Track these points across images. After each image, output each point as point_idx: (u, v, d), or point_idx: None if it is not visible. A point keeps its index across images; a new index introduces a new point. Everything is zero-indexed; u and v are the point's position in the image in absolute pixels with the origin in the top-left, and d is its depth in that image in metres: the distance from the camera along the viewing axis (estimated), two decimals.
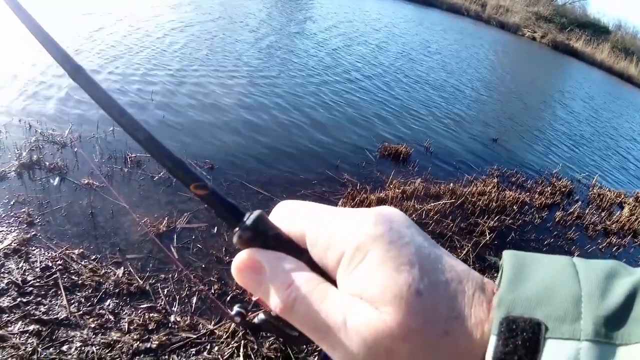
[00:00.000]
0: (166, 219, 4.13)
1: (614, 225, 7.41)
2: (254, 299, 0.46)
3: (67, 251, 3.49)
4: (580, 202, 7.85)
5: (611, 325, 0.34)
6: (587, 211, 7.55)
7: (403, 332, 0.37)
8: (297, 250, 0.44)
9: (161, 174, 4.80)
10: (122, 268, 3.49)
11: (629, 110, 23.63)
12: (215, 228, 4.26)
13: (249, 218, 0.45)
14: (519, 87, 17.72)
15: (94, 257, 3.54)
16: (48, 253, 3.43)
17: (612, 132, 15.85)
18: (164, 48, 9.12)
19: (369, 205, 5.13)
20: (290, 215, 0.47)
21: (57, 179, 4.36)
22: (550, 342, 0.34)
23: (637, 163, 13.18)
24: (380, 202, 5.36)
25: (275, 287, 0.42)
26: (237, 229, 0.45)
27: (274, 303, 0.42)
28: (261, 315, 0.51)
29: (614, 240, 6.85)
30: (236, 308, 0.53)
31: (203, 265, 3.78)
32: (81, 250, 3.55)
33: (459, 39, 24.54)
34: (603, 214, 7.78)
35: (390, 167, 6.59)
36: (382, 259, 0.39)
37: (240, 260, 0.45)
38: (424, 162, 7.13)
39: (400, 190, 5.73)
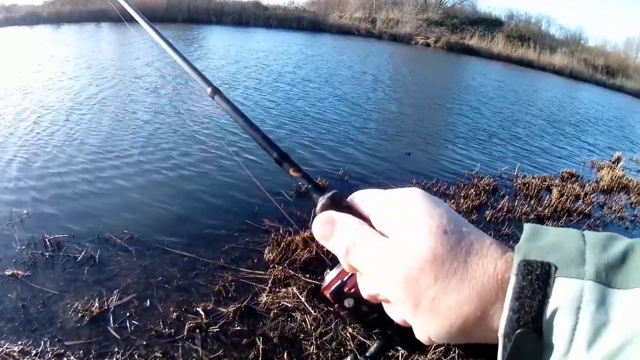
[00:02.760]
0: (97, 299, 4.26)
1: (546, 210, 8.06)
2: (325, 245, 0.63)
3: (8, 349, 3.58)
4: (507, 196, 8.32)
5: (610, 272, 0.45)
6: (516, 203, 8.11)
7: (431, 257, 0.51)
8: (361, 216, 0.62)
9: (83, 252, 4.93)
10: (65, 359, 3.59)
11: (533, 94, 25.08)
12: (147, 300, 4.41)
13: (329, 192, 0.67)
14: (421, 95, 18.54)
15: (35, 352, 3.65)
16: None
17: (522, 119, 16.88)
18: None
19: (295, 249, 5.40)
20: (361, 196, 0.66)
21: None
22: (559, 280, 0.46)
23: (553, 144, 14.04)
24: (306, 242, 5.54)
25: (342, 232, 0.60)
26: (320, 198, 0.67)
27: (341, 246, 0.60)
28: (350, 300, 0.68)
29: (550, 223, 7.40)
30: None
31: (144, 343, 3.92)
32: (20, 346, 3.66)
33: (354, 59, 25.34)
34: (532, 201, 8.39)
35: (308, 203, 6.66)
36: (421, 211, 0.56)
37: (320, 216, 0.64)
38: (343, 191, 7.25)
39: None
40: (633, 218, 8.99)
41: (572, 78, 42.82)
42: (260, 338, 4.09)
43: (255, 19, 35.86)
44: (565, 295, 0.44)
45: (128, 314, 4.19)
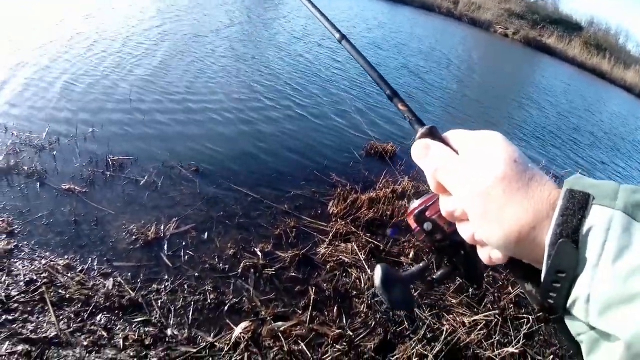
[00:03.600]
0: (154, 225, 3.98)
1: None
2: (419, 164, 0.74)
3: (52, 262, 3.32)
4: None
5: (635, 208, 0.53)
6: None
7: (502, 176, 0.62)
8: (451, 147, 0.72)
9: (146, 177, 4.65)
10: (112, 279, 3.33)
11: (601, 105, 24.34)
12: (206, 233, 4.13)
13: (427, 125, 0.78)
14: (495, 83, 18.36)
15: (80, 268, 3.37)
16: (31, 265, 3.25)
17: (585, 126, 16.29)
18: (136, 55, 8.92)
19: (360, 207, 5.10)
20: (453, 133, 0.75)
21: (37, 185, 4.16)
22: (595, 207, 0.55)
23: (615, 157, 13.65)
24: (372, 202, 5.26)
25: (434, 154, 0.72)
26: (420, 128, 0.78)
27: (431, 165, 0.72)
28: (429, 224, 0.78)
29: None
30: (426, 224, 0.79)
31: (196, 274, 3.63)
32: (66, 261, 3.38)
33: (434, 36, 24.78)
34: None
35: (377, 165, 6.50)
36: (499, 145, 0.66)
37: (418, 142, 0.76)
38: (410, 160, 6.97)
39: (390, 190, 5.64)
40: None
41: None
42: (313, 288, 3.82)
43: None
44: (599, 218, 0.54)
45: (183, 243, 3.91)
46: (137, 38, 9.37)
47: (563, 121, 15.22)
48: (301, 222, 4.70)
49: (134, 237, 3.80)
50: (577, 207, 0.56)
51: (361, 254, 4.37)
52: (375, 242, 4.61)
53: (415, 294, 4.01)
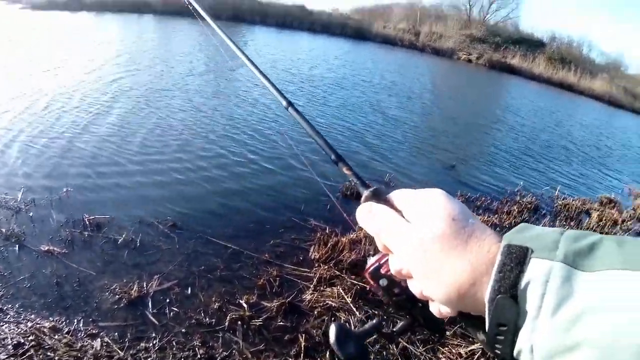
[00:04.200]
0: (136, 283, 4.05)
1: None
2: (364, 227, 0.78)
3: (38, 325, 3.38)
4: (548, 216, 8.20)
5: (577, 257, 0.54)
6: (557, 224, 7.88)
7: (440, 235, 0.64)
8: (395, 208, 0.74)
9: (124, 235, 4.72)
10: (99, 340, 3.38)
11: (572, 118, 24.88)
12: (189, 289, 4.19)
13: (372, 187, 0.82)
14: (463, 110, 18.41)
15: (67, 330, 3.42)
16: (18, 328, 3.31)
17: (561, 141, 16.65)
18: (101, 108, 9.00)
19: (342, 250, 5.17)
20: (396, 193, 0.78)
21: (16, 247, 4.23)
22: (534, 260, 0.57)
23: (591, 168, 13.85)
24: (353, 243, 5.35)
25: (378, 218, 0.75)
26: (364, 191, 0.83)
27: (376, 228, 0.75)
28: (384, 280, 0.83)
29: None
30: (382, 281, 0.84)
31: (183, 330, 3.69)
32: (52, 323, 3.44)
33: (396, 70, 25.27)
34: (572, 223, 8.18)
35: (354, 206, 6.46)
36: (439, 204, 0.68)
37: (362, 205, 0.80)
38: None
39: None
40: None
41: (611, 105, 42.28)
42: (303, 335, 3.87)
43: (300, 22, 36.06)
44: (537, 271, 0.56)
45: (168, 300, 3.97)
46: (101, 95, 9.55)
47: (535, 140, 15.59)
48: (284, 270, 4.77)
49: (117, 296, 3.86)
50: (515, 262, 0.58)
51: (348, 297, 4.44)
52: (361, 284, 4.68)
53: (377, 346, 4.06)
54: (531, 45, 50.18)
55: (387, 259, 0.80)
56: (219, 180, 6.67)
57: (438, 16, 50.43)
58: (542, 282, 0.54)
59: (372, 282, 0.85)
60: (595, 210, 9.17)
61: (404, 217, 0.72)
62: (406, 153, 10.13)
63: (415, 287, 0.73)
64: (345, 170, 0.96)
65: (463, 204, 0.70)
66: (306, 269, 4.84)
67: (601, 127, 24.84)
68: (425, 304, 0.78)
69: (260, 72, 1.36)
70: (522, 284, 0.56)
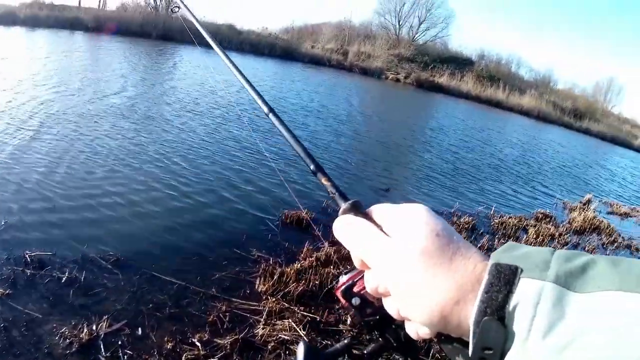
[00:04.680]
0: (85, 325, 3.98)
1: None
2: (342, 241, 0.76)
3: None
4: (486, 235, 8.52)
5: (570, 277, 0.53)
6: (495, 242, 8.18)
7: (424, 251, 0.63)
8: (375, 223, 0.74)
9: (67, 273, 4.64)
10: None
11: (503, 135, 25.97)
12: (139, 329, 4.16)
13: (352, 199, 0.82)
14: (393, 131, 18.91)
15: None
16: None
17: (493, 159, 17.43)
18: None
19: (288, 281, 5.24)
20: (377, 207, 0.78)
21: None
22: (523, 280, 0.55)
23: (525, 184, 14.53)
24: (299, 274, 5.44)
25: (356, 231, 0.74)
26: (343, 203, 0.82)
27: (354, 242, 0.74)
28: (357, 299, 0.79)
29: None
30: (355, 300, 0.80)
31: None
32: None
33: (326, 92, 25.61)
34: (511, 240, 8.35)
35: (295, 235, 6.72)
36: (422, 219, 0.68)
37: (340, 218, 0.79)
38: (328, 224, 7.15)
39: (313, 258, 5.85)
40: None
41: (540, 119, 44.44)
42: None
43: (229, 42, 36.00)
44: (527, 292, 0.54)
45: (120, 343, 3.93)
46: (28, 118, 9.27)
47: (466, 159, 16.14)
48: (232, 304, 4.80)
49: (67, 340, 3.80)
50: (504, 282, 0.56)
51: (300, 329, 4.51)
52: (311, 315, 4.77)
53: None
54: (460, 63, 51.96)
55: (362, 277, 0.78)
56: (156, 212, 6.60)
57: (367, 36, 51.49)
58: (533, 304, 0.53)
59: (343, 301, 0.81)
60: (531, 226, 9.69)
61: (384, 231, 0.72)
62: (339, 179, 10.17)
63: (392, 306, 0.71)
64: (324, 181, 0.95)
65: (445, 221, 0.69)
66: (255, 303, 4.88)
67: (531, 142, 26.19)
68: (399, 325, 0.77)
69: (245, 79, 1.42)
70: (511, 305, 0.55)
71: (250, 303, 4.86)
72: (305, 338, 4.42)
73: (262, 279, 5.29)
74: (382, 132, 18.12)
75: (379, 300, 0.76)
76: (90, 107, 11.51)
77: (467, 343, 0.60)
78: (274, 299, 4.96)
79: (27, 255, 4.76)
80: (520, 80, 55.55)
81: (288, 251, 6.13)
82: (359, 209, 0.80)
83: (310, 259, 5.85)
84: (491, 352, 0.55)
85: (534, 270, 0.55)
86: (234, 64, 1.60)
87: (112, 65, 18.23)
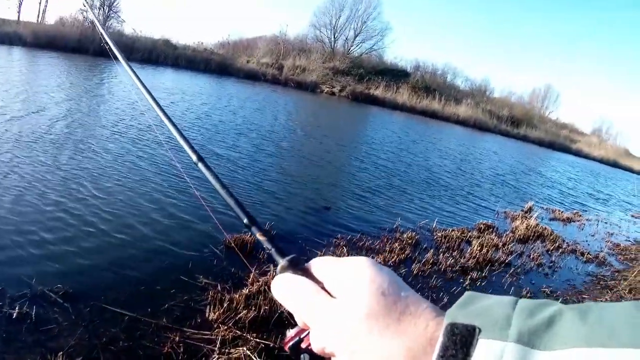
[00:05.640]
0: None
1: (469, 262, 8.63)
2: (281, 302, 0.75)
3: None
4: (430, 249, 8.86)
5: (534, 335, 0.50)
6: (440, 256, 8.57)
7: (368, 313, 0.60)
8: (316, 280, 0.73)
9: (17, 308, 4.69)
10: None
11: (438, 145, 26.64)
12: None
13: (288, 256, 0.81)
14: (329, 147, 19.07)
15: None
16: None
17: (431, 172, 18.07)
18: None
19: (238, 308, 5.40)
20: (317, 262, 0.76)
21: None
22: (482, 341, 0.52)
23: (465, 196, 15.11)
24: (248, 299, 5.60)
25: (296, 292, 0.72)
26: (280, 261, 0.81)
27: (294, 304, 0.72)
28: (306, 355, 0.77)
29: (475, 274, 8.07)
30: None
31: None
32: None
33: (259, 108, 25.76)
34: (455, 253, 8.95)
35: (239, 259, 6.72)
36: (366, 276, 0.65)
37: (277, 277, 0.77)
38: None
39: (261, 282, 6.00)
40: (551, 264, 9.95)
41: (477, 128, 45.82)
42: None
43: (165, 57, 36.01)
44: (486, 355, 0.50)
45: None
46: None
47: (403, 174, 16.65)
48: (185, 334, 4.92)
49: None
50: (460, 345, 0.53)
51: (255, 357, 4.67)
52: (265, 342, 4.93)
53: None
54: (395, 75, 52.90)
55: (308, 333, 0.73)
56: (99, 243, 6.58)
57: (302, 49, 51.67)
58: None
59: (293, 357, 0.78)
60: (475, 237, 10.17)
61: (325, 289, 0.70)
62: (277, 200, 10.35)
63: None
64: (259, 236, 0.93)
65: (394, 273, 0.67)
66: (207, 332, 5.02)
67: (468, 152, 27.12)
68: None
69: (170, 121, 1.38)
70: None
71: (203, 332, 5.00)
72: None
73: (211, 306, 5.40)
74: (318, 148, 18.32)
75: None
76: (17, 129, 11.40)
77: None
78: (225, 327, 5.10)
79: None
80: (456, 90, 57.35)
81: (235, 276, 6.28)
82: (298, 265, 0.78)
83: (258, 283, 5.99)
84: None
85: (493, 330, 0.52)
86: (153, 98, 1.63)
87: (40, 83, 17.86)
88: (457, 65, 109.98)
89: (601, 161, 51.88)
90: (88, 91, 17.61)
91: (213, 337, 4.96)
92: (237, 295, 5.65)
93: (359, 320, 0.61)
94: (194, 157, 1.19)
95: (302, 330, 0.76)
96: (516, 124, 52.68)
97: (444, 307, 0.60)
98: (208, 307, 5.43)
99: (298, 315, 0.73)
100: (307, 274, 0.75)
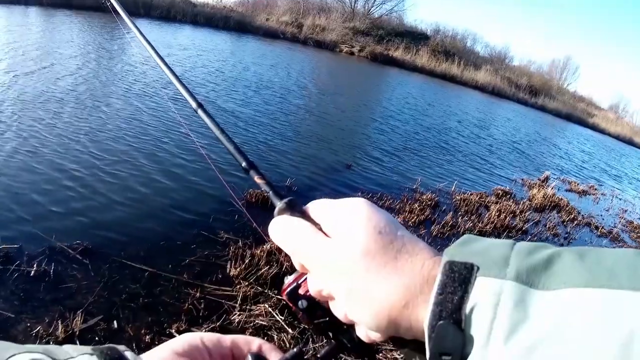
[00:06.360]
0: (60, 322, 3.90)
1: (487, 227, 8.47)
2: (278, 244, 0.72)
3: None
4: (450, 212, 8.66)
5: (532, 274, 0.49)
6: (459, 219, 8.40)
7: (365, 251, 0.60)
8: (313, 221, 0.71)
9: (35, 266, 4.51)
10: None
11: (458, 109, 26.25)
12: (115, 322, 4.12)
13: (286, 198, 0.77)
14: (350, 105, 18.73)
15: None
16: None
17: (450, 133, 17.74)
18: None
19: (259, 264, 5.23)
20: (314, 204, 0.74)
21: None
22: (480, 279, 0.52)
23: (483, 160, 14.85)
24: (269, 256, 5.44)
25: (293, 233, 0.70)
26: (278, 203, 0.77)
27: (291, 245, 0.70)
28: (304, 301, 0.76)
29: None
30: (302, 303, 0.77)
31: None
32: None
33: (279, 65, 25.24)
34: (473, 217, 8.79)
35: (260, 214, 6.58)
36: (362, 216, 0.64)
37: (275, 219, 0.74)
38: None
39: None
40: (566, 235, 9.74)
41: (495, 95, 45.23)
42: None
43: (183, 15, 35.12)
44: (485, 292, 0.50)
45: (97, 338, 3.89)
46: None
47: (430, 132, 16.55)
48: (205, 290, 4.78)
49: (44, 340, 3.73)
50: (458, 282, 0.52)
51: (277, 315, 4.55)
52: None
53: None
54: (415, 38, 52.02)
55: (306, 278, 0.75)
56: (119, 198, 6.39)
57: (322, 9, 50.88)
58: (492, 305, 0.49)
59: (290, 304, 0.79)
60: (493, 203, 9.98)
61: (322, 231, 0.68)
62: (301, 156, 10.18)
63: (339, 311, 0.68)
64: (257, 179, 0.92)
65: (389, 214, 0.66)
66: (228, 288, 4.89)
67: (487, 119, 26.70)
68: (351, 326, 0.73)
69: (169, 67, 1.34)
70: (468, 307, 0.51)
71: (224, 288, 4.86)
72: (283, 323, 4.45)
73: (232, 262, 5.27)
74: (340, 106, 17.92)
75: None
76: (43, 88, 11.07)
77: (422, 344, 0.57)
78: (247, 283, 4.97)
79: None
80: (476, 56, 56.27)
81: (256, 232, 6.08)
82: (296, 208, 0.76)
83: None
84: (449, 357, 0.51)
85: (491, 268, 0.52)
86: (157, 53, 1.56)
87: (52, 40, 17.30)
88: (477, 32, 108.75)
89: (617, 137, 50.33)
90: (100, 49, 17.18)
91: (234, 293, 4.82)
92: (259, 251, 5.48)
93: (356, 258, 0.60)
94: (194, 104, 1.17)
95: (300, 276, 0.77)
96: (534, 93, 51.45)
97: None
98: (229, 263, 5.29)
99: (296, 257, 0.71)
100: (305, 216, 0.73)
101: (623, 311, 0.43)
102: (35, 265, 4.52)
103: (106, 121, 9.41)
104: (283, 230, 0.72)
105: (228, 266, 5.22)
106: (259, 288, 4.94)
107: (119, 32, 21.01)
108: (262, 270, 5.15)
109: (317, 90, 20.48)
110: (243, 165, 0.95)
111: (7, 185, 6.05)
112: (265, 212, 6.70)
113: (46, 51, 14.62)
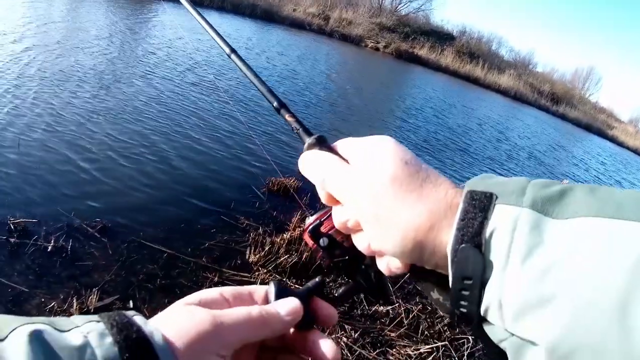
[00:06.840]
0: (75, 299, 3.78)
1: None
2: (307, 176, 0.73)
3: None
4: None
5: (547, 204, 0.51)
6: None
7: (392, 178, 0.61)
8: (341, 157, 0.71)
9: (52, 241, 4.38)
10: None
11: (481, 111, 26.41)
12: (131, 302, 4.01)
13: (315, 135, 0.78)
14: (368, 100, 18.58)
15: None
16: None
17: (469, 136, 17.36)
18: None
19: (279, 252, 5.08)
20: (342, 141, 0.75)
21: None
22: (499, 206, 0.53)
23: (500, 165, 14.75)
24: (289, 244, 5.30)
25: (322, 164, 0.71)
26: (307, 139, 0.78)
27: (319, 176, 0.71)
28: (325, 239, 0.77)
29: None
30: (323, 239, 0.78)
31: None
32: None
33: (305, 56, 25.12)
34: None
35: (283, 203, 6.58)
36: (388, 148, 0.66)
37: (305, 153, 0.76)
38: (314, 194, 6.95)
39: (303, 228, 5.65)
40: None
41: (517, 100, 44.88)
42: None
43: (211, 0, 34.99)
44: (503, 218, 0.52)
45: None
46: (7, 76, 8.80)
47: (449, 132, 16.27)
48: (224, 275, 4.68)
49: (57, 316, 3.58)
50: (479, 209, 0.55)
51: None
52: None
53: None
54: (440, 37, 51.83)
55: (329, 216, 0.77)
56: (140, 179, 6.27)
57: (349, 2, 50.68)
58: (509, 231, 0.51)
59: (311, 242, 0.79)
60: None
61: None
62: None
63: (363, 241, 0.69)
64: (287, 118, 0.92)
65: (413, 152, 0.68)
66: (246, 274, 4.77)
67: (508, 121, 26.94)
68: (370, 264, 0.76)
69: (202, 16, 1.30)
70: (487, 232, 0.53)
71: (242, 274, 4.75)
72: None
73: (252, 249, 5.15)
74: (359, 102, 17.73)
75: (348, 240, 0.75)
76: (65, 64, 10.97)
77: (441, 277, 0.61)
78: (265, 271, 4.87)
79: (10, 222, 4.48)
80: (500, 60, 56.08)
81: (276, 220, 6.00)
82: (324, 143, 0.77)
83: (300, 229, 5.68)
84: (471, 281, 0.54)
85: (509, 197, 0.54)
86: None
87: (80, 20, 17.19)
88: (502, 36, 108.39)
89: (635, 151, 49.88)
90: (126, 29, 17.04)
91: (252, 279, 4.71)
92: (279, 239, 5.33)
93: (384, 184, 0.62)
94: (227, 50, 1.15)
95: (322, 215, 0.78)
96: (556, 101, 51.07)
97: None
98: (248, 249, 5.16)
99: (323, 187, 0.71)
100: (334, 151, 0.74)
101: (629, 240, 0.44)
102: (52, 241, 4.39)
103: (127, 103, 9.25)
104: (313, 161, 0.73)
105: (247, 252, 5.10)
106: (277, 276, 4.82)
107: (146, 13, 20.99)
108: (282, 259, 5.01)
109: (341, 82, 20.28)
110: (274, 105, 0.95)
111: (28, 161, 5.93)
112: (287, 200, 6.66)
113: (69, 28, 14.58)
